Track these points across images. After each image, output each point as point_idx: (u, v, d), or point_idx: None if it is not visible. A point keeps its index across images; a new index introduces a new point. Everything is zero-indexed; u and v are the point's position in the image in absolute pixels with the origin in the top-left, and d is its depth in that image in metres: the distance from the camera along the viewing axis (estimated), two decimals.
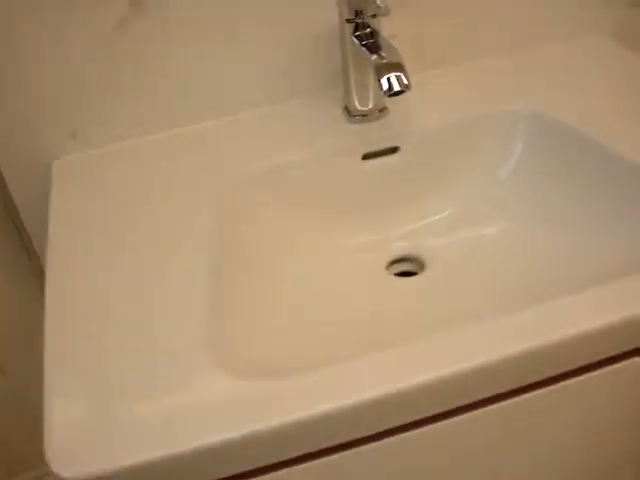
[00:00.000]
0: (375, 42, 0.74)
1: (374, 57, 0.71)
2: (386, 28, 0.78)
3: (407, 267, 0.80)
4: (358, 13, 0.74)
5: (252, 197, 0.74)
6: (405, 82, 0.69)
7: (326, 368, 0.53)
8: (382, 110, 0.81)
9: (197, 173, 0.74)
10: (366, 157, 0.79)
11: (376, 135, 0.79)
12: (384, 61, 0.70)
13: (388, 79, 0.69)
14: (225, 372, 0.54)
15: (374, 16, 0.74)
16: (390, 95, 0.69)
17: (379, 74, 0.69)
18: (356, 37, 0.74)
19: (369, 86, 0.79)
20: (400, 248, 0.80)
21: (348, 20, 0.74)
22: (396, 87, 0.69)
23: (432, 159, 0.81)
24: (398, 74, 0.69)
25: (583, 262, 0.71)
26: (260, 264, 0.72)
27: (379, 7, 0.71)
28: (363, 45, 0.74)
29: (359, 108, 0.80)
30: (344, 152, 0.78)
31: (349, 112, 0.80)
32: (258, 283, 0.70)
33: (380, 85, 0.69)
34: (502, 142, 0.80)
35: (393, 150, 0.80)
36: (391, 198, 0.80)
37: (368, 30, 0.75)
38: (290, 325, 0.68)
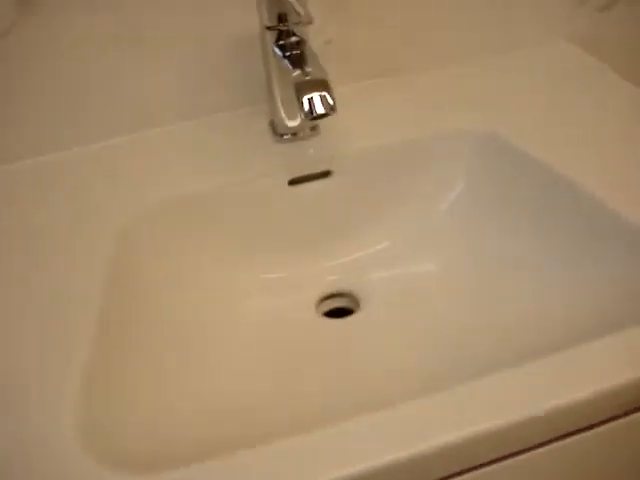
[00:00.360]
0: (300, 53, 0.64)
1: (296, 72, 0.62)
2: (322, 34, 0.68)
3: (339, 303, 0.71)
4: (282, 19, 0.64)
5: (158, 231, 0.64)
6: (330, 103, 0.60)
7: (241, 452, 0.44)
8: (314, 128, 0.71)
9: (92, 203, 0.65)
10: (293, 182, 0.69)
11: (305, 157, 0.70)
12: (307, 78, 0.60)
13: (310, 100, 0.59)
14: (105, 465, 0.44)
15: (299, 23, 0.64)
16: (312, 118, 0.59)
17: (299, 93, 0.59)
18: (279, 46, 0.65)
19: None
20: (331, 283, 0.71)
21: (269, 27, 0.64)
22: (318, 109, 0.59)
23: (368, 185, 0.71)
24: (322, 94, 0.59)
25: (525, 300, 0.63)
26: (166, 310, 0.62)
27: (298, 14, 0.60)
28: (286, 57, 0.64)
29: (287, 125, 0.70)
30: (268, 176, 0.69)
31: (275, 130, 0.71)
32: (160, 336, 0.60)
33: (301, 106, 0.59)
34: (446, 168, 0.71)
35: (325, 174, 0.70)
36: (322, 228, 0.71)
37: (294, 39, 0.65)
38: (197, 388, 0.58)
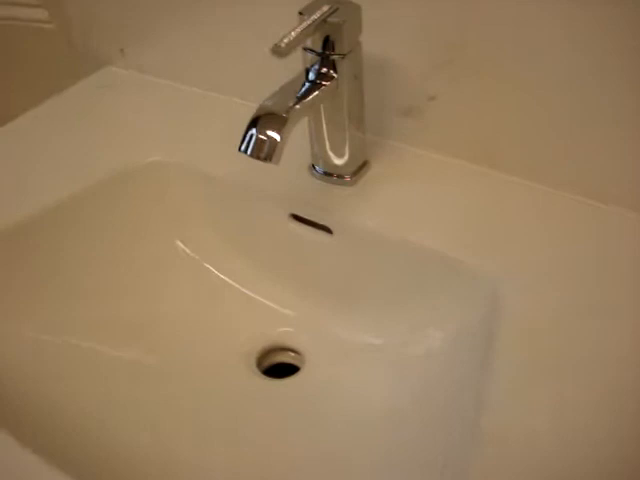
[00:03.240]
0: (311, 87, 0.56)
1: (271, 100, 0.54)
2: (426, 87, 0.58)
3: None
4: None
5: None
6: (264, 150, 0.52)
7: None
8: (355, 174, 0.62)
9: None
10: (296, 218, 0.62)
11: (319, 199, 0.61)
12: (270, 107, 0.53)
13: (251, 135, 0.53)
14: None
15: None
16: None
17: (248, 124, 0.53)
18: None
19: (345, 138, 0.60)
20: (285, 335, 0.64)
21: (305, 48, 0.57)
22: (249, 149, 0.52)
23: (362, 271, 0.60)
24: (265, 136, 0.52)
25: None
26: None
27: None
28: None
29: (325, 160, 0.62)
30: (273, 198, 0.63)
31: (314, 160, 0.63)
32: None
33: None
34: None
35: (326, 229, 0.61)
36: (304, 273, 0.64)
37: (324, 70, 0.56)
38: None
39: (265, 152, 0.51)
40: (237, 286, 0.65)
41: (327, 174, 0.62)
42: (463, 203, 0.58)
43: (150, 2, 0.72)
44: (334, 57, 0.55)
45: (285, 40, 0.49)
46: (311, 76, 0.56)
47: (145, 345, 0.61)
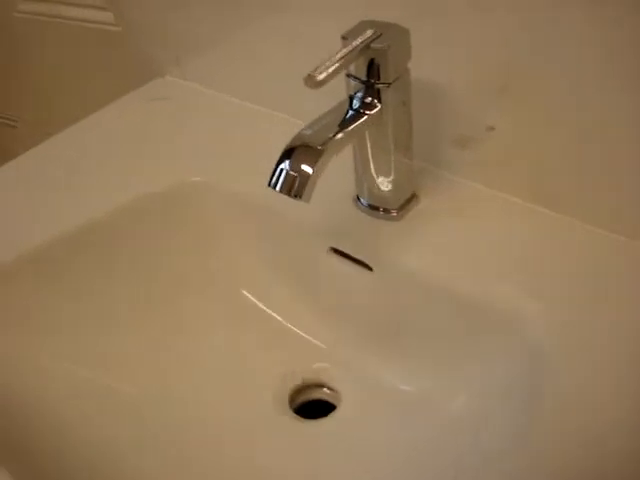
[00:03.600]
0: (354, 115, 0.52)
1: (309, 129, 0.50)
2: (484, 117, 0.53)
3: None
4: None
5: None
6: (295, 186, 0.48)
7: None
8: (402, 207, 0.57)
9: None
10: (336, 251, 0.59)
11: (364, 235, 0.57)
12: (305, 138, 0.49)
13: (281, 169, 0.49)
14: None
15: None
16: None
17: (280, 156, 0.50)
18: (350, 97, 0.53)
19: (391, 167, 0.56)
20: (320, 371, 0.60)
21: (348, 75, 0.53)
22: (278, 185, 0.49)
23: (411, 315, 0.56)
24: (297, 171, 0.48)
25: None
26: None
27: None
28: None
29: (371, 191, 0.58)
30: (315, 231, 0.59)
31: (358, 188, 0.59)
32: None
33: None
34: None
35: (366, 266, 0.57)
36: (332, 306, 0.60)
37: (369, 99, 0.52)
38: None
39: (295, 189, 0.48)
40: (274, 315, 0.62)
41: (372, 207, 0.57)
42: (517, 246, 0.53)
43: (205, 12, 0.69)
44: (379, 86, 0.50)
45: (319, 69, 0.45)
46: (355, 104, 0.52)
47: (170, 376, 0.58)
